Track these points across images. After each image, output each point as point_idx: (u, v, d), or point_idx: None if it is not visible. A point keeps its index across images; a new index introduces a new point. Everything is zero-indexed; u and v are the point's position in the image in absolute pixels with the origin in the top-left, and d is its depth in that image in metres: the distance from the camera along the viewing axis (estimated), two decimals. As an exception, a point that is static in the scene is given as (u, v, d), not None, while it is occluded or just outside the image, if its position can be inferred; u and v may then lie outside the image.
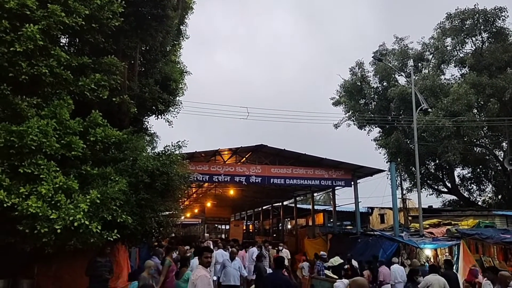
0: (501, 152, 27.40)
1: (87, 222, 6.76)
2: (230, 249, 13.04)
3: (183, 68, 13.62)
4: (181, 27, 13.55)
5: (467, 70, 27.25)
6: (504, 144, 26.59)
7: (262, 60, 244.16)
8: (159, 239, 17.82)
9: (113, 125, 8.50)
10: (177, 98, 12.91)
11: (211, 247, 15.44)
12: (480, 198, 29.92)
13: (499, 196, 29.01)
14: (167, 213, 10.31)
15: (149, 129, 13.72)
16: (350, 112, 30.50)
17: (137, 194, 8.08)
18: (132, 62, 10.68)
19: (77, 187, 7.20)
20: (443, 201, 30.69)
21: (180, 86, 12.87)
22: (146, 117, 12.91)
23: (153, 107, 11.91)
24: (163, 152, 9.17)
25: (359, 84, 30.31)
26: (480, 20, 26.36)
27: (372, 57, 28.31)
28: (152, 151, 11.59)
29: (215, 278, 11.38)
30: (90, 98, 8.19)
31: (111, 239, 7.28)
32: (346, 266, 12.37)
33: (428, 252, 14.41)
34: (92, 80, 8.16)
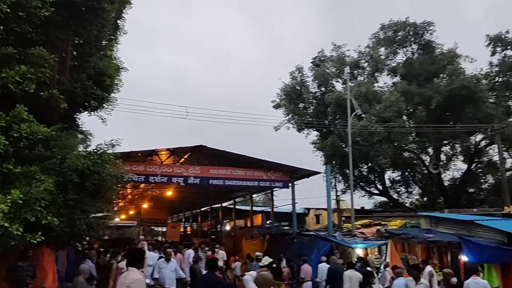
0: (427, 157, 29.15)
1: (7, 224, 6.29)
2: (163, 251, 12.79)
3: (119, 64, 13.12)
4: (118, 21, 13.04)
5: (398, 79, 28.80)
6: (429, 149, 28.32)
7: (208, 59, 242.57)
8: (91, 241, 17.12)
9: (41, 121, 7.98)
10: (112, 94, 12.41)
11: (146, 249, 15.05)
12: (408, 200, 31.68)
13: (425, 198, 30.89)
14: (99, 214, 9.90)
15: (81, 126, 13.10)
16: (290, 115, 31.11)
17: (65, 195, 7.65)
18: (64, 55, 10.12)
19: (-3, 186, 6.72)
20: (374, 203, 32.15)
21: (116, 82, 12.40)
22: (77, 114, 12.30)
23: (86, 103, 11.37)
24: (95, 150, 8.79)
25: (298, 88, 30.97)
26: (411, 33, 28.04)
27: (311, 62, 29.06)
28: (84, 150, 11.08)
29: (148, 281, 11.06)
30: (15, 91, 7.63)
31: (35, 241, 6.83)
32: (274, 265, 12.88)
33: (359, 251, 14.98)
34: (17, 72, 7.60)
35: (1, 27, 8.53)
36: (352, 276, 10.06)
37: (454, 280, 8.44)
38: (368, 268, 11.02)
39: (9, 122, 7.38)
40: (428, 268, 11.17)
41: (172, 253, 13.05)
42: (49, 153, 8.09)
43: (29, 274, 7.84)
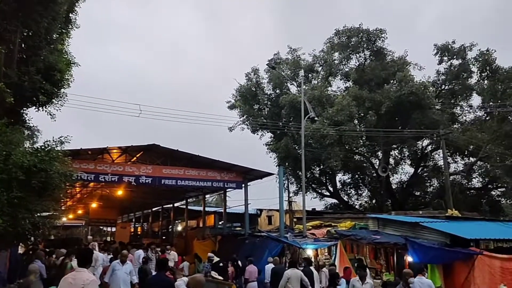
0: (377, 160, 30.08)
1: None
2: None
3: (70, 59, 12.69)
4: (70, 15, 12.61)
5: (351, 83, 29.48)
6: (379, 153, 29.26)
7: (163, 57, 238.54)
8: (37, 241, 16.42)
9: (-16, 115, 7.63)
10: (62, 89, 11.98)
11: (97, 249, 14.63)
12: (358, 202, 32.57)
13: (373, 201, 31.87)
14: (45, 214, 9.52)
15: (28, 122, 12.54)
16: (245, 116, 31.23)
17: (9, 192, 7.32)
18: (11, 47, 9.67)
19: None
20: (326, 204, 32.79)
21: (66, 77, 11.97)
22: (25, 109, 11.78)
23: (34, 98, 10.91)
24: (43, 147, 8.46)
25: (254, 89, 31.19)
26: (364, 39, 28.78)
27: (267, 64, 29.29)
28: (31, 146, 10.64)
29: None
30: (-44, 83, 7.25)
31: (-25, 242, 6.51)
32: (220, 264, 13.51)
33: (309, 252, 15.25)
34: (-41, 63, 7.24)
35: None
36: (292, 275, 10.32)
37: (412, 280, 8.75)
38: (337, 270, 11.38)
39: None
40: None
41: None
42: (-8, 149, 7.71)
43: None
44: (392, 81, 27.50)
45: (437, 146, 26.78)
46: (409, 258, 12.43)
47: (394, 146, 28.64)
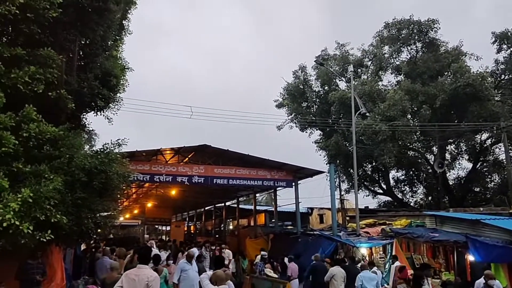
0: (432, 156, 29.05)
1: (17, 223, 6.36)
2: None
3: (124, 64, 13.23)
4: (123, 22, 13.15)
5: (402, 77, 28.67)
6: (434, 148, 28.21)
7: (209, 58, 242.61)
8: (97, 240, 17.25)
9: (49, 121, 8.07)
10: (118, 94, 12.50)
11: (155, 247, 15.10)
12: (412, 199, 31.57)
13: (429, 198, 30.75)
14: (105, 213, 9.97)
15: (87, 126, 13.17)
16: (293, 114, 31.17)
17: (73, 193, 7.72)
18: (71, 55, 10.19)
19: (8, 185, 6.74)
20: (379, 202, 32.09)
21: (121, 82, 12.47)
22: (84, 114, 12.37)
23: (92, 103, 11.45)
24: (102, 150, 8.87)
25: (301, 87, 31.05)
26: (415, 31, 27.89)
27: (315, 61, 29.05)
28: (91, 149, 11.18)
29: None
30: (24, 91, 7.72)
31: (44, 240, 6.90)
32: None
33: (363, 250, 14.98)
34: (26, 73, 7.70)
35: (10, 28, 8.62)
36: (337, 273, 10.57)
37: (492, 282, 8.44)
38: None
39: (18, 122, 7.47)
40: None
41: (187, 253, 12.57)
42: (57, 153, 8.15)
43: (39, 271, 7.95)
44: (446, 73, 26.41)
45: (498, 139, 25.36)
46: (470, 257, 11.91)
47: (450, 140, 27.50)
